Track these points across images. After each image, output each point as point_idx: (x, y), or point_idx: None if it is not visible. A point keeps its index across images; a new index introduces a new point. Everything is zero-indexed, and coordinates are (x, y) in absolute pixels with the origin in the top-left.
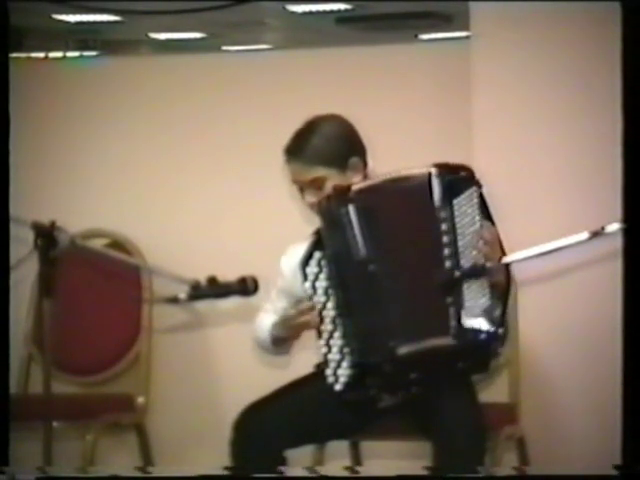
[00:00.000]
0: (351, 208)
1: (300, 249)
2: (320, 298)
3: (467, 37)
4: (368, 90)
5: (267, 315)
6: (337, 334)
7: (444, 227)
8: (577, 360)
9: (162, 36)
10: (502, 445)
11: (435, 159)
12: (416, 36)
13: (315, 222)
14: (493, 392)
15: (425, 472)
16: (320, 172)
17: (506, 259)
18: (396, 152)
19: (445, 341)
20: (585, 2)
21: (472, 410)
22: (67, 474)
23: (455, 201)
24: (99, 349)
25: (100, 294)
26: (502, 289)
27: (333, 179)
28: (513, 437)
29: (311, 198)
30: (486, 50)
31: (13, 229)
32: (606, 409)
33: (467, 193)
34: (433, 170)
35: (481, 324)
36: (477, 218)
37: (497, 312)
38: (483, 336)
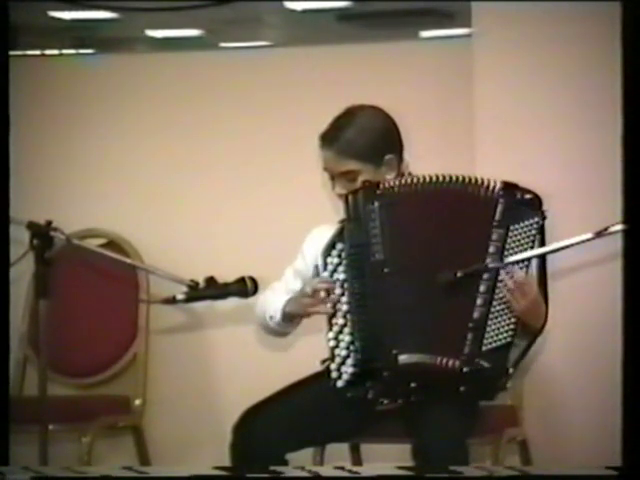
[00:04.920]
0: (377, 206)
1: (325, 233)
2: (336, 290)
3: (469, 35)
4: (369, 88)
5: (278, 294)
6: (347, 329)
7: (492, 249)
8: (579, 362)
9: (159, 33)
10: (504, 447)
11: (436, 157)
12: (418, 34)
13: (340, 211)
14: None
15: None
16: (353, 166)
17: (509, 259)
18: None
19: (452, 364)
20: (586, 2)
21: (455, 426)
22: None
23: (512, 227)
24: (96, 350)
25: (97, 295)
26: (532, 335)
27: (366, 174)
28: (515, 439)
29: (341, 190)
30: (488, 48)
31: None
32: (608, 410)
33: (527, 222)
34: (500, 186)
35: (495, 359)
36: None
37: (516, 353)
38: (492, 371)
